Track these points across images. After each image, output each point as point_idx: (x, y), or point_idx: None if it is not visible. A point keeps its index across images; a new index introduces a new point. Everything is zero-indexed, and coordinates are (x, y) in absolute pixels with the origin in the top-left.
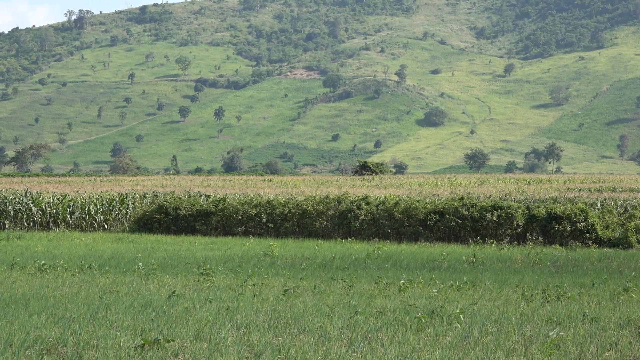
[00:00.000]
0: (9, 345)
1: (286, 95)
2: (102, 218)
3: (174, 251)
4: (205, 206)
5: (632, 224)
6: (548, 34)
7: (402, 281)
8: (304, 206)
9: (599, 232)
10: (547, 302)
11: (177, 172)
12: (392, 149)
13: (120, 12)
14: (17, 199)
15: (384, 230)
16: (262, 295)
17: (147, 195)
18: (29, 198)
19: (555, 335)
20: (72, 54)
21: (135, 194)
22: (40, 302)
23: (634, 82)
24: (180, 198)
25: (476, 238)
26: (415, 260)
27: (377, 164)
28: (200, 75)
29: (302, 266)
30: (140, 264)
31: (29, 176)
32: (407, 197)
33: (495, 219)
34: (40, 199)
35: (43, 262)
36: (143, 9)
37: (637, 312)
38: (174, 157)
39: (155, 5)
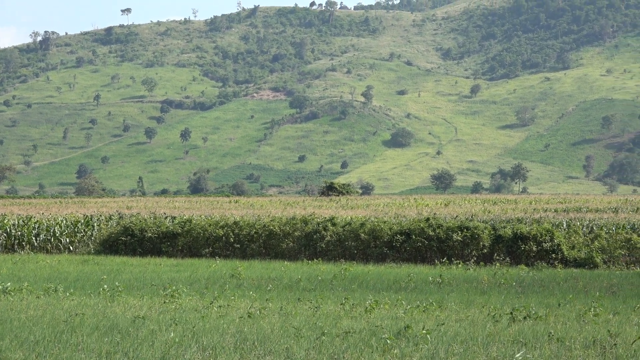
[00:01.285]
0: None
1: (252, 117)
2: (67, 240)
3: (140, 273)
4: (172, 228)
5: (598, 244)
6: (514, 55)
7: (368, 302)
8: (271, 227)
9: (565, 252)
10: (514, 322)
11: (143, 194)
12: (359, 170)
13: (86, 33)
14: None
15: (350, 251)
16: (228, 317)
17: (112, 216)
18: None
19: (521, 357)
20: (37, 75)
21: (100, 215)
22: (5, 325)
23: (600, 102)
24: (146, 220)
25: (442, 259)
26: (382, 281)
27: (343, 184)
28: (167, 96)
29: (269, 287)
30: (106, 286)
31: None
32: (374, 218)
33: (461, 239)
34: (5, 221)
35: (8, 284)
36: (109, 30)
37: (602, 332)
38: (140, 178)
39: (121, 26)
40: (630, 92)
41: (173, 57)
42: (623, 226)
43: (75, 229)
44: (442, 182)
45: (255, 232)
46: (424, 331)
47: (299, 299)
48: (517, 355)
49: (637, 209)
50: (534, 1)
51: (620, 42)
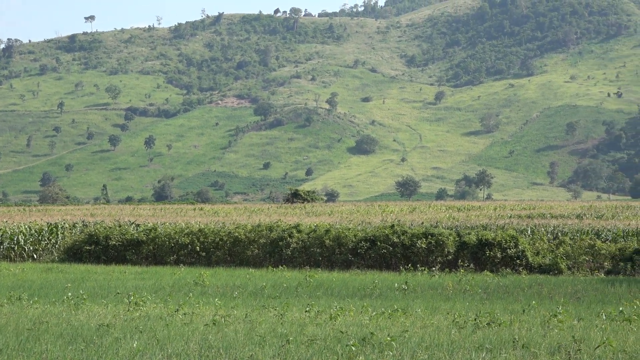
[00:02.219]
0: None
1: (217, 124)
2: (31, 248)
3: (104, 281)
4: (136, 235)
5: (562, 250)
6: (478, 62)
7: (333, 309)
8: (236, 234)
9: (530, 259)
10: (478, 328)
11: (108, 202)
12: (324, 177)
13: (49, 40)
14: None
15: (315, 258)
16: (192, 325)
17: (76, 224)
18: None
19: None
20: (0, 83)
21: (64, 223)
22: None
23: (564, 109)
24: (110, 227)
25: (407, 265)
26: (347, 288)
27: (308, 192)
28: (131, 104)
29: (234, 295)
30: (70, 294)
31: None
32: (339, 225)
33: (426, 246)
34: None
35: None
36: (72, 37)
37: (567, 338)
38: (104, 186)
39: (85, 33)
40: (594, 99)
41: (137, 64)
42: (587, 232)
43: (39, 237)
44: (406, 188)
45: (220, 240)
46: (388, 338)
47: (264, 306)
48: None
49: (601, 215)
50: (497, 8)
51: (584, 49)
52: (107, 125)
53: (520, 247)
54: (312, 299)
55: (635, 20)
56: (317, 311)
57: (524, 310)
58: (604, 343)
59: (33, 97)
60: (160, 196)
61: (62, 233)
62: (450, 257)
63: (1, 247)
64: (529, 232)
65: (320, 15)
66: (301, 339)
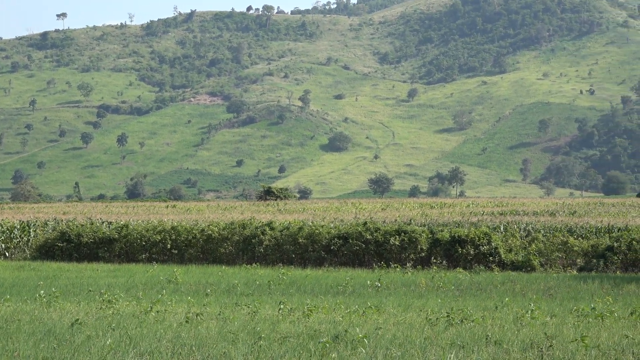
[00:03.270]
0: None
1: (189, 121)
2: (3, 246)
3: (77, 279)
4: (108, 233)
5: (535, 247)
6: (451, 59)
7: (306, 306)
8: (209, 232)
9: (503, 256)
10: (451, 325)
11: (80, 199)
12: (297, 174)
13: (21, 38)
14: None
15: (288, 256)
16: (165, 322)
17: (49, 222)
18: None
19: None
20: None
21: (37, 221)
22: None
23: (536, 106)
24: (82, 225)
25: (380, 262)
26: (320, 285)
27: (281, 189)
28: (103, 101)
29: (206, 292)
30: (42, 291)
31: None
32: (311, 222)
33: (399, 243)
34: None
35: None
36: (44, 35)
37: (539, 335)
38: (76, 183)
39: (57, 31)
40: (567, 96)
41: (109, 61)
42: (560, 229)
43: (11, 235)
44: (379, 186)
45: (193, 237)
46: (361, 335)
47: (236, 303)
48: (450, 356)
49: (574, 212)
50: (470, 5)
51: (557, 46)
52: (80, 122)
53: (493, 244)
54: (285, 296)
55: (607, 18)
56: (290, 308)
57: (496, 307)
58: (576, 340)
59: (5, 94)
60: (133, 194)
61: (34, 231)
62: (423, 254)
63: None
64: (501, 229)
65: (292, 12)
66: (274, 337)
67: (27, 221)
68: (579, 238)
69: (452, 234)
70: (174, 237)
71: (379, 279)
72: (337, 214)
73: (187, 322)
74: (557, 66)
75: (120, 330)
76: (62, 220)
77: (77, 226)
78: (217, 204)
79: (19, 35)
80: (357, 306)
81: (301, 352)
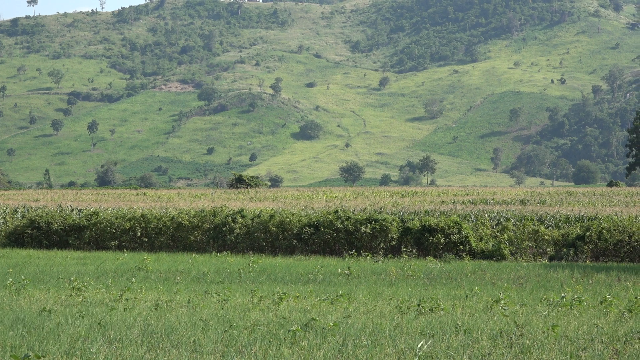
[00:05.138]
0: None
1: (160, 109)
2: None
3: (46, 266)
4: (78, 220)
5: (505, 236)
6: (422, 48)
7: (276, 294)
8: (179, 220)
9: (473, 244)
10: (421, 314)
11: (50, 186)
12: (268, 162)
13: None
14: None
15: (259, 244)
16: (135, 310)
17: (18, 209)
18: None
19: (424, 347)
20: None
21: (6, 208)
22: None
23: (507, 95)
24: (52, 212)
25: (351, 251)
26: (290, 274)
27: (252, 177)
28: (74, 88)
29: (176, 280)
30: (11, 279)
31: None
32: (282, 210)
33: (369, 231)
34: None
35: None
36: (14, 21)
37: (509, 324)
38: (46, 171)
39: (27, 17)
40: (538, 85)
41: (80, 48)
42: (530, 218)
43: None
44: (350, 174)
45: (163, 225)
46: (331, 323)
47: (206, 291)
48: (419, 345)
49: (544, 201)
50: None
51: (528, 35)
52: (50, 109)
53: (463, 233)
54: (256, 284)
55: (578, 7)
56: (261, 296)
57: (466, 296)
58: (546, 329)
59: None
60: (104, 181)
61: (4, 218)
62: (393, 242)
63: None
64: (472, 218)
65: (264, 0)
66: (244, 324)
67: None
68: (550, 227)
69: (423, 223)
70: (144, 224)
71: (350, 268)
72: (308, 202)
73: (156, 309)
74: (529, 55)
75: (89, 318)
76: (31, 208)
77: (46, 213)
78: (188, 191)
79: None
80: (327, 294)
81: (271, 340)
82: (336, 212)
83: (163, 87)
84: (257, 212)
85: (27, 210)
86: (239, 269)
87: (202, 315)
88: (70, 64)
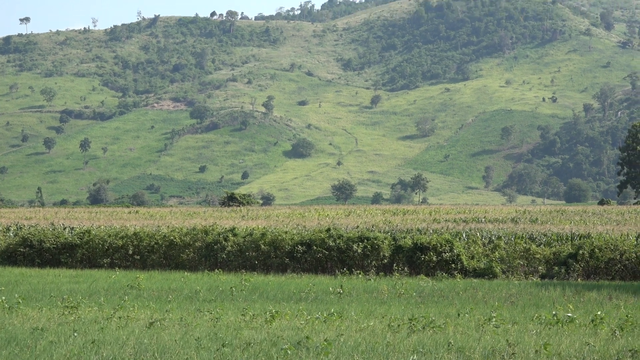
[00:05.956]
0: None
1: (153, 127)
2: None
3: (39, 284)
4: (70, 239)
5: (497, 254)
6: (414, 66)
7: (269, 313)
8: (171, 238)
9: (465, 262)
10: (413, 332)
11: (42, 204)
12: (260, 181)
13: None
14: None
15: (251, 262)
16: (128, 328)
17: (10, 227)
18: None
19: None
20: None
21: None
22: None
23: (499, 113)
24: (44, 230)
25: (343, 269)
26: (282, 292)
27: (244, 195)
28: (66, 106)
29: (169, 298)
30: (4, 297)
31: None
32: (274, 228)
33: (361, 250)
34: None
35: None
36: (7, 39)
37: (501, 342)
38: (38, 189)
39: (20, 35)
40: (529, 104)
41: (72, 66)
42: (522, 236)
43: None
44: (342, 192)
45: (155, 243)
46: (324, 342)
47: (199, 309)
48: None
49: (536, 219)
50: (433, 12)
51: (519, 54)
52: (42, 127)
53: (455, 251)
54: (248, 302)
55: (570, 26)
56: (253, 315)
57: (458, 314)
58: (540, 347)
59: None
60: (96, 199)
61: None
62: (385, 260)
63: None
64: (464, 236)
65: (256, 18)
66: (237, 343)
67: None
68: (541, 245)
69: (415, 241)
70: (136, 242)
71: (342, 286)
72: (300, 221)
73: (149, 328)
74: (520, 74)
75: (82, 336)
76: (24, 226)
77: (39, 232)
78: (179, 209)
79: None
80: (319, 313)
81: (263, 358)
82: (328, 230)
83: (155, 105)
84: (249, 230)
85: (20, 228)
86: (231, 287)
87: (195, 333)
88: (63, 82)
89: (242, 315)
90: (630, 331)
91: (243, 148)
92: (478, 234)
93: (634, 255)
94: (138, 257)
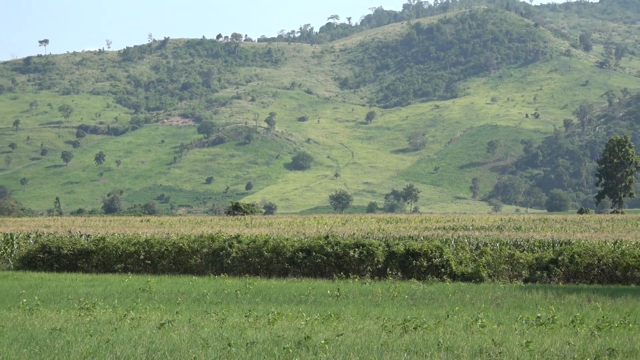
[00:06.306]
0: None
1: (163, 141)
2: None
3: (57, 288)
4: (86, 245)
5: (483, 259)
6: (406, 84)
7: (271, 314)
8: (180, 244)
9: (453, 267)
10: (406, 332)
11: (60, 213)
12: (262, 191)
13: (5, 62)
14: None
15: (254, 267)
16: (140, 329)
17: (31, 235)
18: None
19: None
20: None
21: (19, 234)
22: None
23: (485, 128)
24: (62, 237)
25: (340, 273)
26: (284, 295)
27: (248, 205)
28: (82, 122)
29: (178, 301)
30: (25, 300)
31: None
32: (276, 235)
33: (357, 255)
34: None
35: None
36: (27, 59)
37: (488, 342)
38: (57, 199)
39: (39, 56)
40: (513, 119)
41: (88, 85)
42: (506, 243)
43: None
44: (339, 202)
45: (165, 249)
46: (323, 341)
47: (206, 311)
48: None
49: (520, 227)
50: (424, 35)
51: (504, 73)
52: (60, 142)
53: (444, 257)
54: (252, 304)
55: (551, 47)
56: (256, 316)
57: (448, 316)
58: (522, 346)
59: None
60: (110, 208)
61: (17, 243)
62: (379, 265)
63: None
64: (452, 242)
65: (259, 40)
66: (241, 342)
67: (11, 234)
68: (525, 251)
69: (407, 247)
70: (147, 249)
71: (339, 289)
72: (300, 229)
73: (160, 328)
74: (505, 92)
75: (97, 336)
76: (43, 233)
77: (57, 239)
78: (188, 218)
79: (3, 60)
80: (318, 314)
81: (266, 357)
82: (326, 237)
83: (165, 121)
84: (252, 237)
85: (39, 235)
86: (236, 291)
87: (203, 333)
88: (79, 100)
89: (247, 316)
90: (608, 331)
91: (247, 161)
92: (466, 240)
93: (610, 260)
94: (149, 262)
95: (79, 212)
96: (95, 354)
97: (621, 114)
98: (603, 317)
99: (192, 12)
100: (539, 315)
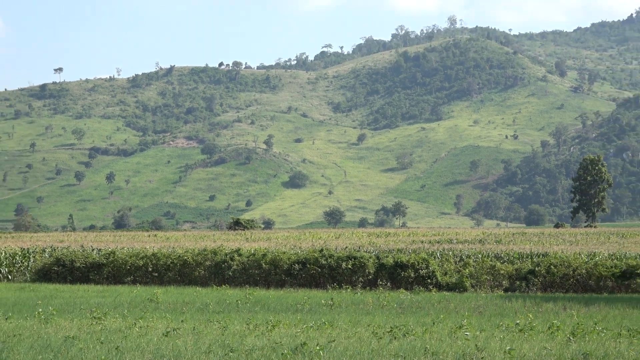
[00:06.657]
0: None
1: (169, 162)
2: (6, 270)
3: (70, 298)
4: (98, 258)
5: (467, 270)
6: (394, 108)
7: (270, 322)
8: (185, 258)
9: (439, 278)
10: (395, 339)
11: (74, 229)
12: (261, 208)
13: (23, 89)
14: None
15: (254, 278)
16: (147, 336)
17: (46, 249)
18: None
19: None
20: None
21: (36, 248)
22: None
23: (468, 149)
24: (75, 252)
25: (334, 284)
26: (281, 304)
27: (248, 220)
28: (94, 144)
29: (183, 310)
30: (40, 310)
31: None
32: (274, 249)
33: (349, 267)
34: None
35: None
36: (43, 86)
37: (471, 347)
38: (70, 215)
39: (54, 83)
40: (494, 140)
41: (99, 109)
42: (488, 255)
43: (14, 260)
44: (333, 217)
45: (171, 262)
46: (317, 347)
47: (209, 320)
48: None
49: (500, 240)
50: (411, 62)
51: (485, 97)
52: (74, 162)
53: (430, 268)
54: (252, 313)
55: (529, 73)
56: (256, 324)
57: (433, 323)
58: (505, 351)
59: (8, 138)
60: (120, 224)
61: (34, 256)
62: (370, 277)
63: None
64: (438, 255)
65: (258, 67)
66: (242, 349)
67: (27, 248)
68: (505, 263)
69: (396, 260)
70: (154, 262)
71: (332, 299)
72: (296, 242)
73: (166, 336)
74: (486, 114)
75: (108, 344)
76: (57, 248)
77: (70, 252)
78: (192, 233)
79: (21, 86)
80: (313, 322)
81: None
82: (321, 250)
83: (171, 142)
84: (252, 250)
85: (54, 250)
86: (237, 300)
87: (206, 340)
88: (91, 123)
89: (247, 324)
90: (582, 337)
91: (247, 180)
92: (450, 253)
93: (584, 271)
94: (156, 274)
95: (91, 227)
96: None
97: (594, 135)
98: (578, 323)
99: (196, 42)
100: (518, 322)
